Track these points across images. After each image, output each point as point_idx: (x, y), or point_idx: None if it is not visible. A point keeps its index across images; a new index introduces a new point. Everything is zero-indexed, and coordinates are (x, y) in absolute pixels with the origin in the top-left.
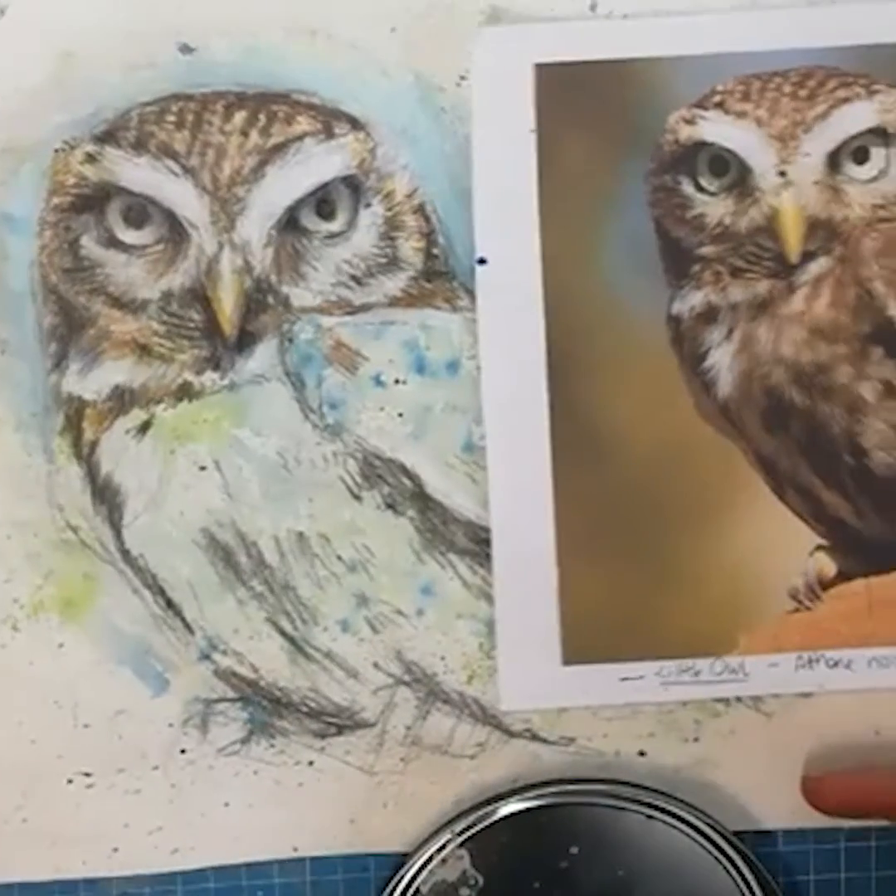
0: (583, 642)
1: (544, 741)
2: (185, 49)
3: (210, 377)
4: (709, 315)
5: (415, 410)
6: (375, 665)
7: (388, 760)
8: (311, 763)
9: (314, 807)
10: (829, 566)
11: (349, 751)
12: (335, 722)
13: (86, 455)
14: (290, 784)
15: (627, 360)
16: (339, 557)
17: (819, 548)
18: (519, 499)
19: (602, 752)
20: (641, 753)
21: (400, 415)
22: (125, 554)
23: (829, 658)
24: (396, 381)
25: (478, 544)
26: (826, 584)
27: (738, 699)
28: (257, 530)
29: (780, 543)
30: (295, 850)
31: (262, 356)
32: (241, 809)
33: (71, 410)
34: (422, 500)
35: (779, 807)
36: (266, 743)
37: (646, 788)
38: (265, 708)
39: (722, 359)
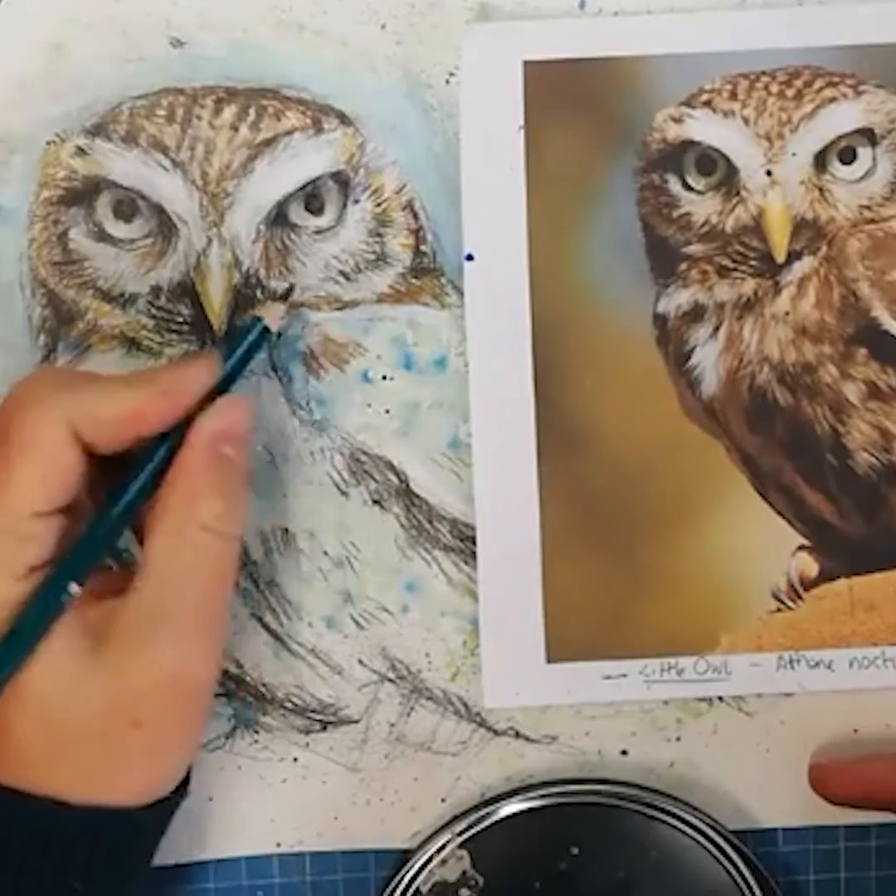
0: (566, 640)
1: (527, 739)
2: (176, 43)
3: None
4: (695, 314)
5: (402, 407)
6: (360, 662)
7: (372, 757)
8: (295, 759)
9: (298, 803)
10: (811, 566)
11: (333, 747)
12: (319, 718)
13: None
14: (273, 780)
15: (613, 358)
16: (325, 553)
17: (801, 548)
18: (504, 496)
19: (584, 751)
20: (624, 752)
21: (387, 411)
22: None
23: (811, 658)
24: (384, 378)
25: (463, 542)
26: (808, 585)
27: (720, 699)
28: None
29: (763, 543)
30: (278, 845)
31: None
32: (225, 804)
33: None
34: (407, 496)
35: (761, 806)
36: (250, 738)
37: (646, 789)
38: (250, 704)
39: (707, 358)
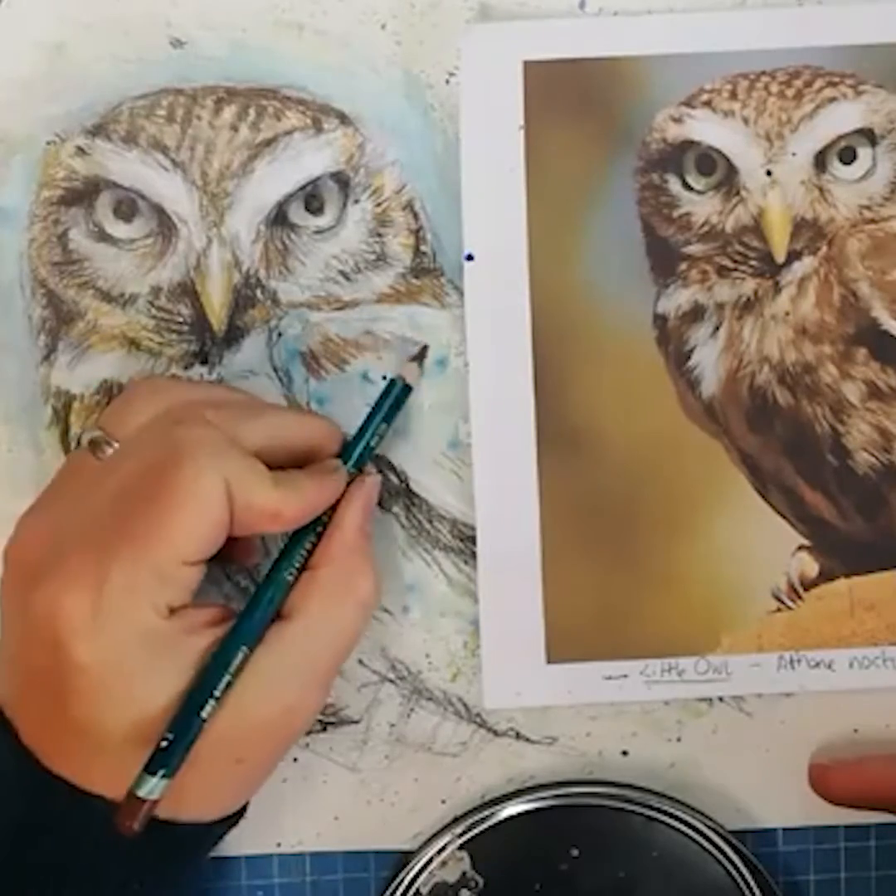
0: (567, 641)
1: (528, 740)
2: (176, 43)
3: (198, 372)
4: (695, 314)
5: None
6: (360, 662)
7: (372, 758)
8: (295, 759)
9: (298, 803)
10: (811, 566)
11: (333, 747)
12: (320, 718)
13: (73, 449)
14: (274, 780)
15: (613, 358)
16: None
17: (801, 548)
18: (504, 497)
19: (585, 752)
20: (624, 753)
21: None
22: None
23: (811, 658)
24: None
25: (463, 542)
26: (808, 585)
27: (721, 699)
28: None
29: (763, 543)
30: (278, 845)
31: (250, 351)
32: None
33: (59, 404)
34: (407, 496)
35: (761, 806)
36: None
37: (646, 790)
38: None
39: (707, 358)
